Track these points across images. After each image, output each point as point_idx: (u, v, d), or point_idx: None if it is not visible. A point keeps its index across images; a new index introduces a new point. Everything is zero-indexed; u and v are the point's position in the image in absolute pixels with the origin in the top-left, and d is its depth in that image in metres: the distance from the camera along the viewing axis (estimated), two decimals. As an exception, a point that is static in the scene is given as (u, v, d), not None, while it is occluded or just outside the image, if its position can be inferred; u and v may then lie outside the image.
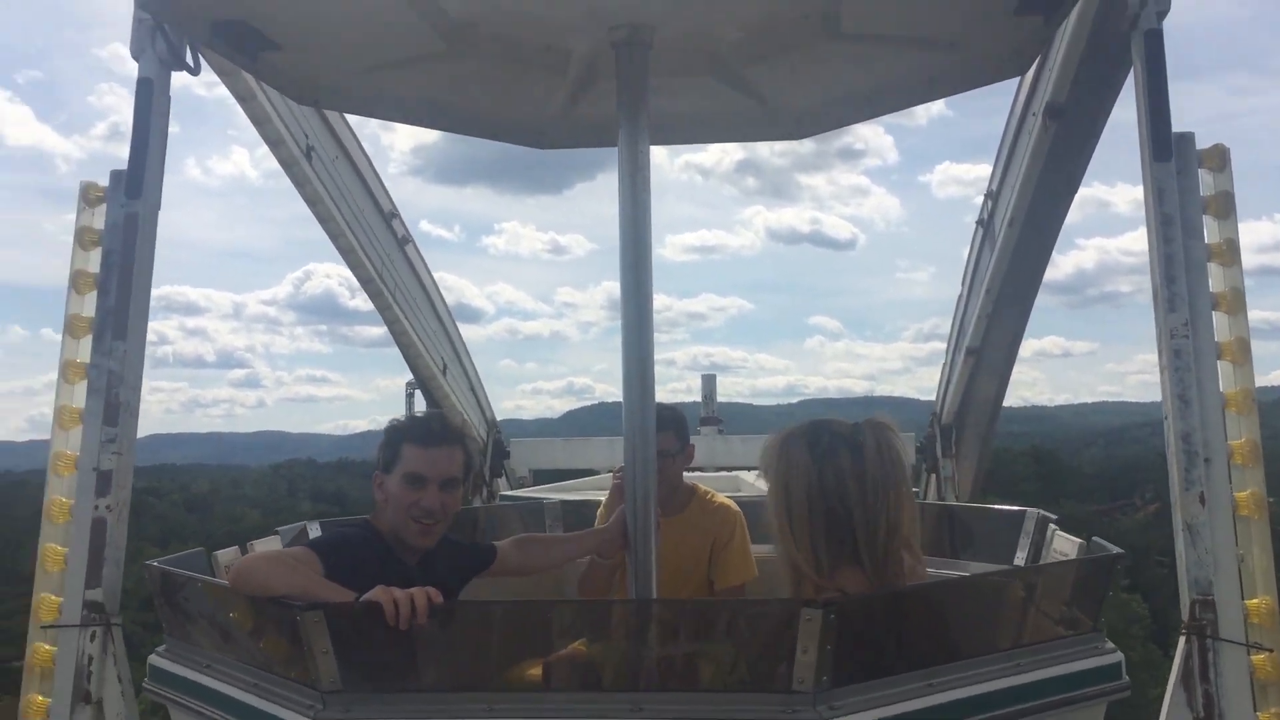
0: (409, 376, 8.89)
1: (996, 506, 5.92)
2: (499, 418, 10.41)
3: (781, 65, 4.32)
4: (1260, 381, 4.01)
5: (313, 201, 6.24)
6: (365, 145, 7.05)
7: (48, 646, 4.03)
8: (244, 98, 5.29)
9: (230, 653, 3.44)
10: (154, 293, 4.29)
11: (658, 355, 3.82)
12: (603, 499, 5.21)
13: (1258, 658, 3.68)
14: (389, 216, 7.59)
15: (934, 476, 9.51)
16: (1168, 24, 3.96)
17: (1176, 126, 3.93)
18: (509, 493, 9.87)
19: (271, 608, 3.15)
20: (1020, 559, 4.83)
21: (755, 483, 8.72)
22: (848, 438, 3.13)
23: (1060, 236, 6.97)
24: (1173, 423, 3.76)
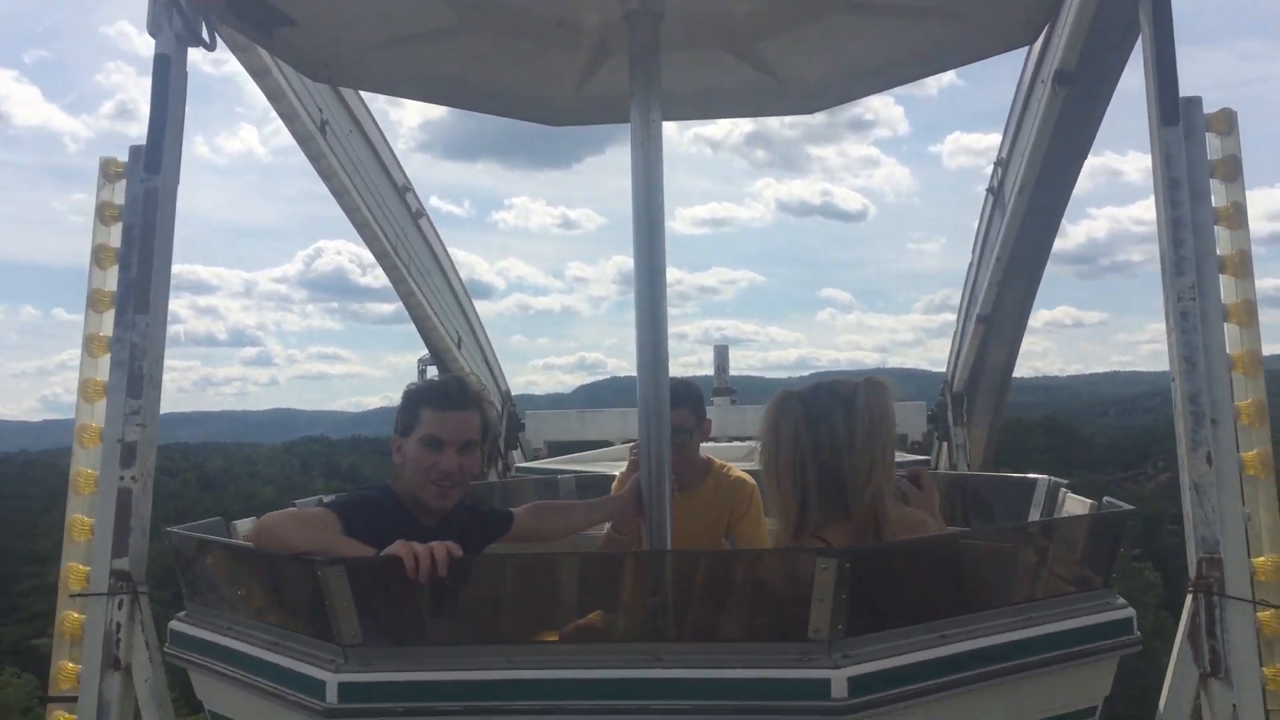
0: (421, 353, 8.93)
1: (1009, 474, 5.95)
2: (511, 392, 10.48)
3: (793, 38, 4.34)
4: (1268, 350, 4.06)
5: (328, 176, 6.29)
6: (374, 119, 7.08)
7: (76, 615, 4.12)
8: (259, 73, 5.33)
9: (251, 613, 3.49)
10: (166, 271, 4.35)
11: (669, 329, 3.83)
12: (617, 470, 5.24)
13: (1264, 614, 3.74)
14: (403, 190, 7.62)
15: (946, 445, 9.55)
16: (1177, -11, 3.98)
17: (1186, 92, 3.96)
18: (524, 464, 9.93)
19: (292, 564, 3.19)
20: (1034, 523, 4.88)
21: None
22: (844, 395, 3.27)
23: (1071, 206, 6.99)
24: (1180, 384, 3.81)
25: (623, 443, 9.27)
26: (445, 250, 8.56)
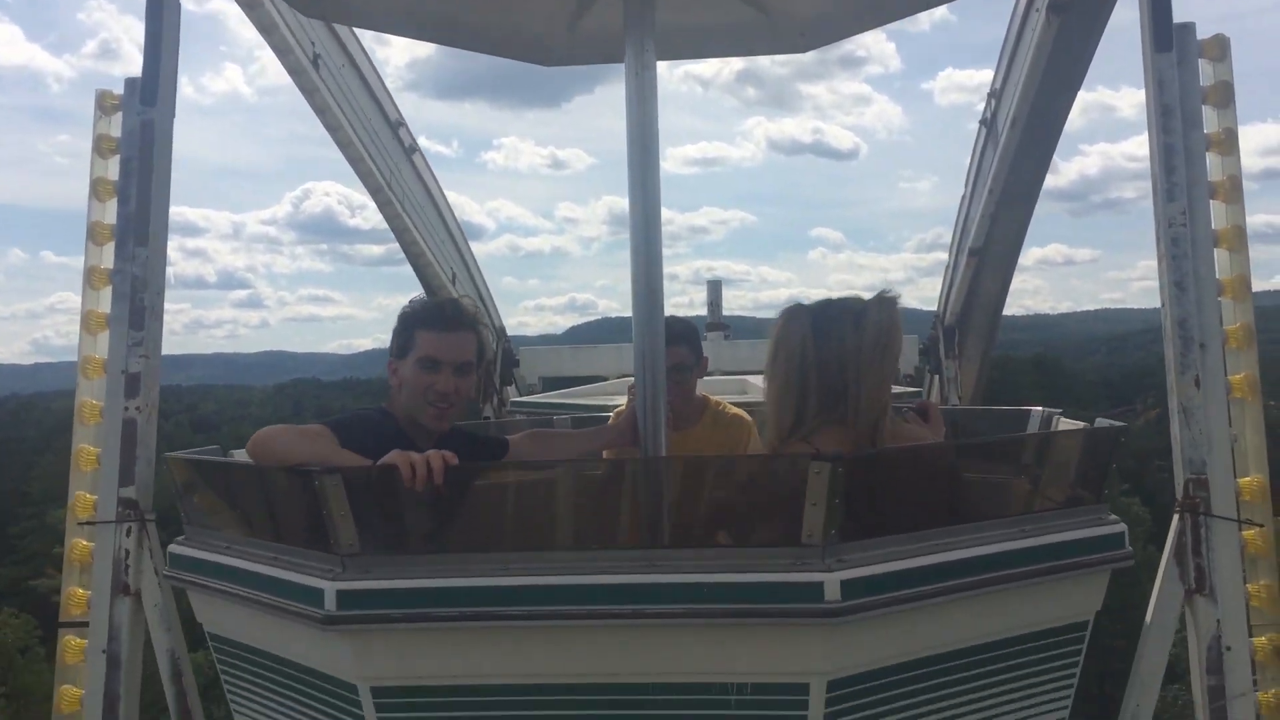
0: (412, 295, 8.90)
1: (1003, 408, 5.98)
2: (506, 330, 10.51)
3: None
4: (1261, 286, 4.11)
5: (321, 110, 6.26)
6: (366, 53, 7.02)
7: (85, 542, 4.20)
8: (250, 5, 5.30)
9: (249, 531, 3.52)
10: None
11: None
12: (613, 403, 5.24)
13: (1248, 533, 3.84)
14: (395, 125, 7.59)
15: (937, 378, 9.61)
16: (1173, -86, 3.98)
17: (1177, 17, 3.98)
18: (519, 399, 10.00)
19: (290, 475, 3.21)
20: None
21: (762, 386, 8.80)
22: (855, 309, 3.27)
23: (1063, 142, 6.99)
24: (1170, 309, 3.87)
25: (618, 377, 9.33)
26: (439, 186, 8.54)
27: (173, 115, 4.32)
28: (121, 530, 4.08)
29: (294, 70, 5.86)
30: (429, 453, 3.05)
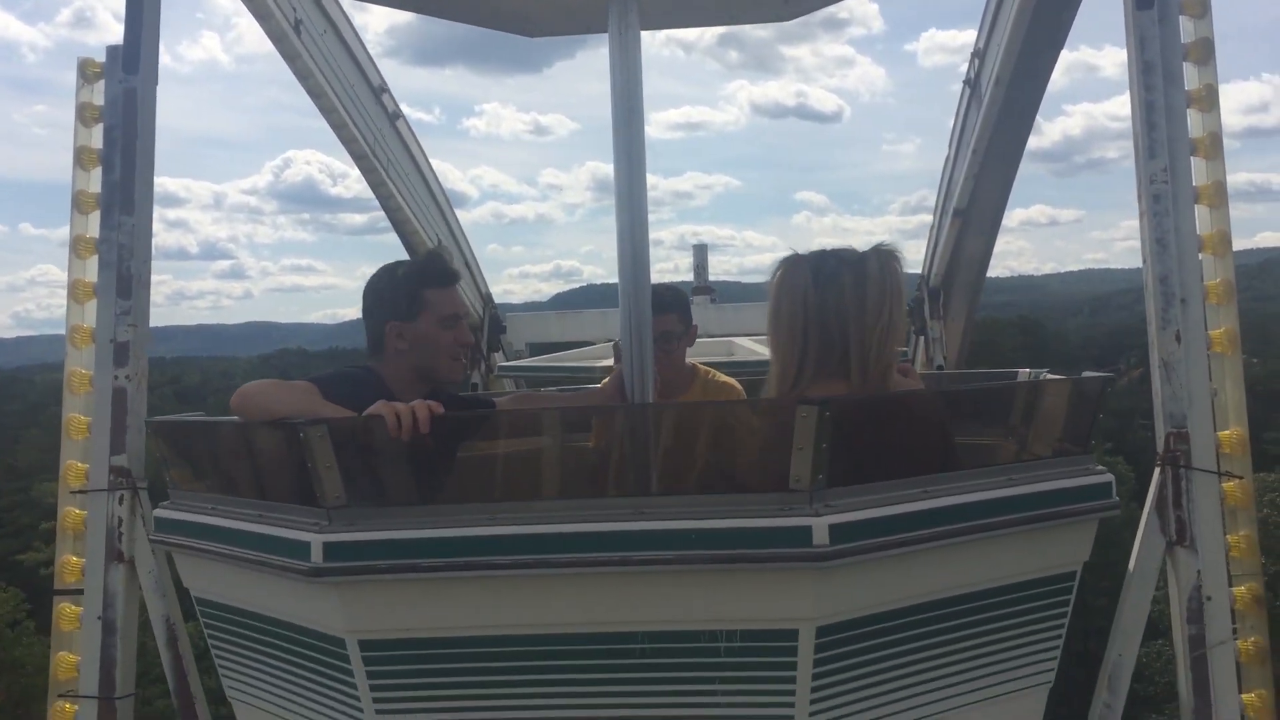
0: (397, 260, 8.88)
1: (989, 371, 6.01)
2: (493, 297, 10.50)
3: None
4: (1243, 245, 4.16)
5: (304, 76, 6.22)
6: (348, 19, 6.96)
7: (78, 511, 4.23)
8: (231, -29, 5.26)
9: (233, 490, 3.51)
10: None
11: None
12: (599, 365, 5.22)
13: (1228, 484, 3.91)
14: (379, 91, 7.54)
15: (923, 338, 9.64)
16: None
17: (1160, -24, 4.00)
18: (506, 364, 10.02)
19: (275, 429, 3.21)
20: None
21: (749, 346, 8.85)
22: (854, 262, 3.22)
23: (1046, 102, 6.99)
24: (1151, 265, 3.92)
25: (604, 342, 9.34)
26: (423, 152, 8.49)
27: (155, 83, 4.32)
28: (114, 498, 4.11)
29: (275, 36, 5.83)
30: (414, 402, 3.06)
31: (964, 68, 7.82)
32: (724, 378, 5.07)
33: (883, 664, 3.06)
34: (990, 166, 7.46)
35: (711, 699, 2.99)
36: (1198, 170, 4.09)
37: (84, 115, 4.37)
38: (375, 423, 3.03)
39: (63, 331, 4.40)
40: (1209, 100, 4.09)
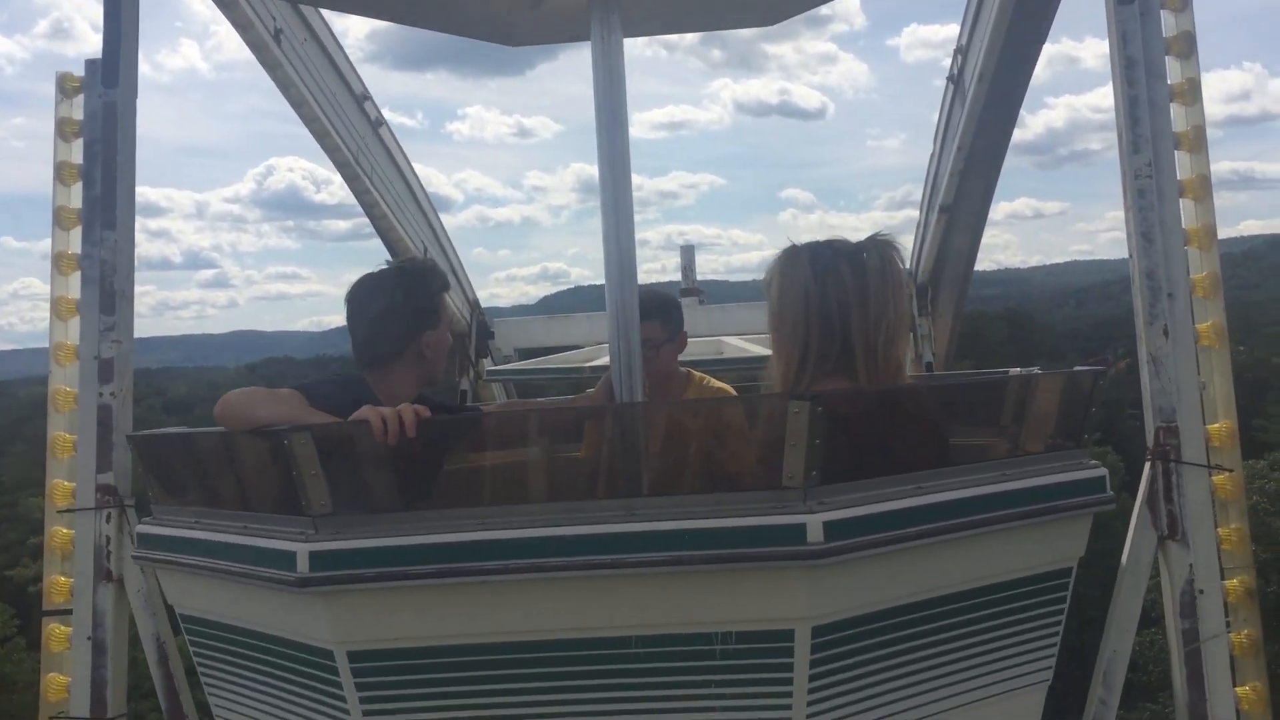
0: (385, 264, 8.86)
1: (980, 369, 5.99)
2: (480, 303, 10.48)
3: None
4: (1228, 233, 4.17)
5: (285, 86, 6.19)
6: (329, 27, 6.94)
7: (65, 530, 4.20)
8: (210, -18, 5.24)
9: (217, 502, 3.44)
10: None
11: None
12: (588, 364, 5.18)
13: (1219, 478, 3.92)
14: (361, 99, 7.51)
15: (912, 335, 9.65)
16: None
17: (1141, -30, 4.00)
18: (495, 367, 9.99)
19: (258, 437, 3.16)
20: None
21: (738, 345, 8.83)
22: (850, 254, 3.15)
23: (1029, 95, 7.00)
24: (1137, 260, 3.92)
25: (593, 345, 9.32)
26: (407, 159, 8.47)
27: (135, 96, 4.29)
28: (101, 517, 4.08)
29: (256, 46, 5.79)
30: (400, 406, 3.01)
31: (946, 62, 7.84)
32: (717, 383, 5.03)
33: (880, 663, 3.03)
34: (975, 162, 7.47)
35: (707, 702, 2.94)
36: (1182, 164, 4.10)
37: (63, 130, 4.35)
38: (361, 428, 2.98)
39: (46, 345, 4.36)
40: (1192, 94, 4.10)
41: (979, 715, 3.25)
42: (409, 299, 3.67)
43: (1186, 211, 4.09)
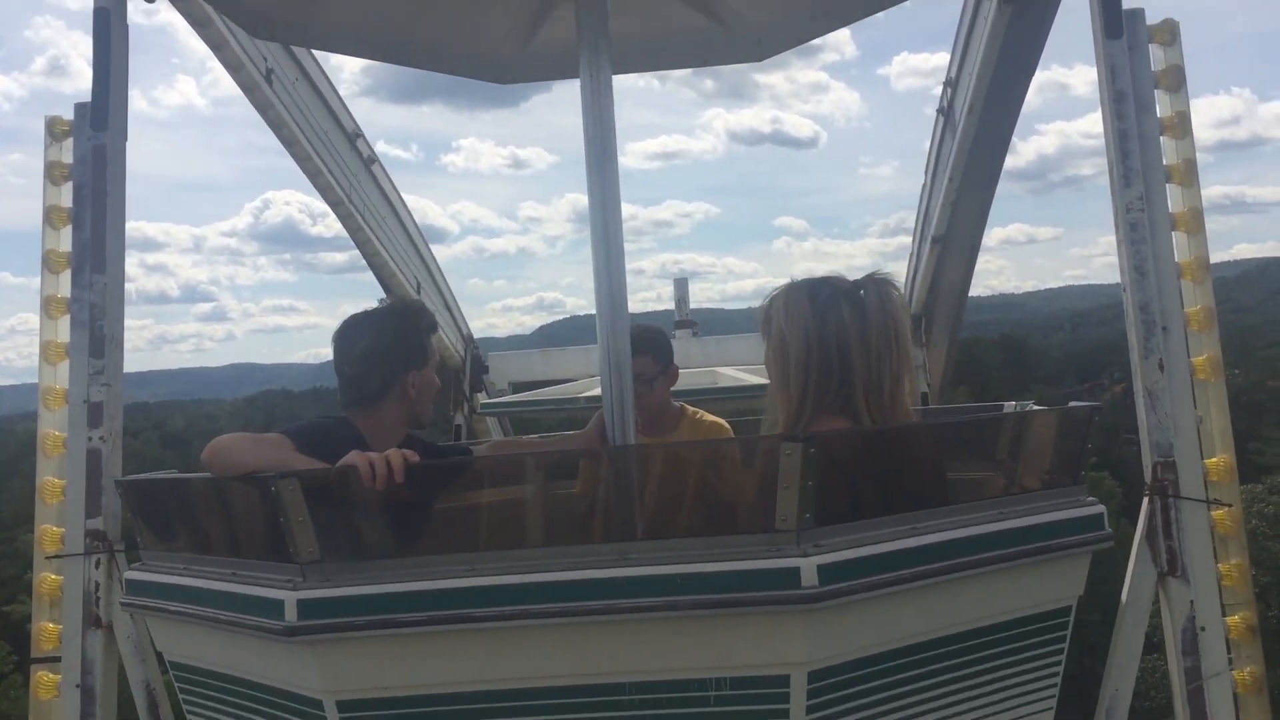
0: (376, 301, 8.88)
1: (975, 404, 5.96)
2: (474, 336, 10.47)
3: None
4: (1220, 257, 4.17)
5: (276, 126, 6.20)
6: (320, 66, 6.97)
7: (54, 576, 4.14)
8: (200, 23, 5.23)
9: (205, 548, 3.41)
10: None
11: (626, 265, 3.77)
12: (581, 395, 5.14)
13: (1218, 513, 3.89)
14: (353, 137, 7.52)
15: (908, 366, 9.63)
16: (1116, -101, 4.00)
17: (1127, 3, 4.01)
18: (488, 401, 9.97)
19: (245, 483, 3.14)
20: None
21: (733, 374, 8.82)
22: (848, 292, 3.13)
23: (1020, 122, 7.03)
24: (1131, 294, 3.91)
25: (586, 378, 9.31)
26: (399, 195, 8.48)
27: (125, 138, 4.27)
28: (90, 563, 4.02)
29: (246, 87, 5.80)
30: (388, 451, 2.99)
31: (937, 90, 7.87)
32: (711, 418, 5.01)
33: (877, 708, 2.99)
34: (967, 193, 7.48)
35: None
36: (1173, 197, 4.09)
37: (52, 174, 4.33)
38: (349, 473, 2.96)
39: (42, 384, 4.34)
40: (1182, 127, 4.10)
41: None
42: (396, 339, 3.67)
43: (1179, 244, 4.08)
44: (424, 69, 4.78)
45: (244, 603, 3.01)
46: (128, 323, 4.28)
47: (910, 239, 9.51)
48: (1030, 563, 3.14)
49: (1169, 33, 4.13)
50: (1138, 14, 4.04)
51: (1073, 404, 3.59)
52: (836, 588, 2.74)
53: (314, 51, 6.78)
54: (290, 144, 6.43)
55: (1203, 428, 3.95)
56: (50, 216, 4.32)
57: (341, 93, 7.39)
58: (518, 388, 10.81)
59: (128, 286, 4.33)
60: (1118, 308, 4.15)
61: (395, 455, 2.97)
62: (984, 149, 6.98)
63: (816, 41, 4.87)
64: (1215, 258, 4.14)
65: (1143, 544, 3.80)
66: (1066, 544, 3.20)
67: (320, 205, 7.24)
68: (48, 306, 4.29)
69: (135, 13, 4.30)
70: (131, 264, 4.34)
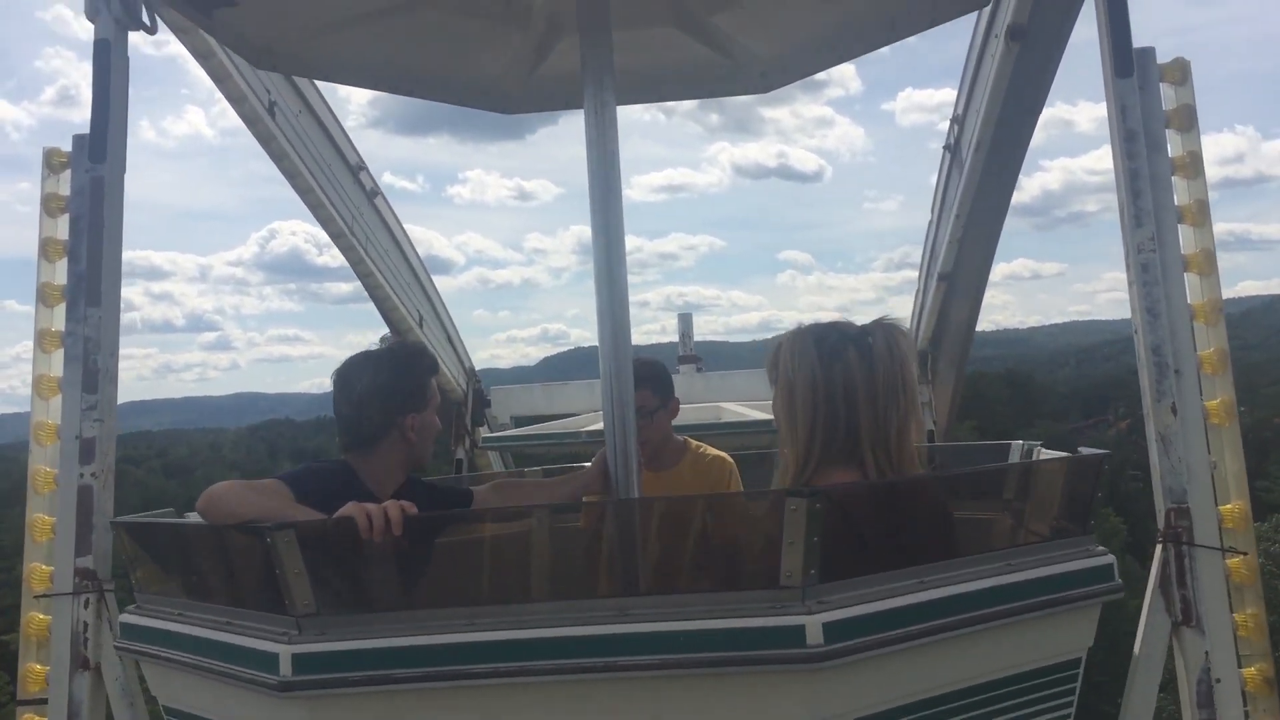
0: (382, 331, 8.85)
1: (981, 443, 5.92)
2: (475, 368, 10.43)
3: (745, 12, 4.29)
4: (1225, 294, 4.09)
5: (279, 158, 6.17)
6: (324, 99, 6.97)
7: (42, 616, 4.07)
8: (203, 55, 5.22)
9: (201, 595, 3.36)
10: (119, 258, 4.26)
11: (631, 297, 3.76)
12: (584, 429, 5.12)
13: (1233, 561, 3.79)
14: (356, 169, 7.50)
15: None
16: (1127, -61, 3.97)
17: (1138, 41, 3.96)
18: (490, 435, 9.91)
19: (241, 534, 3.09)
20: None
21: (737, 410, 8.77)
22: (855, 338, 3.07)
23: (1025, 159, 7.00)
24: (1143, 336, 3.83)
25: (589, 412, 9.26)
26: (402, 228, 8.46)
27: (123, 170, 4.23)
28: (79, 602, 3.94)
29: (249, 119, 5.78)
30: (386, 503, 2.94)
31: (942, 126, 7.87)
32: (714, 451, 4.98)
33: (885, 769, 2.92)
34: (973, 230, 7.44)
35: None
36: (1185, 238, 4.02)
37: (49, 206, 4.28)
38: (346, 525, 2.91)
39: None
40: (1194, 167, 4.04)
41: None
42: (395, 381, 3.63)
43: (1191, 286, 4.00)
44: (428, 99, 4.78)
45: (239, 654, 2.96)
46: (131, 351, 4.26)
47: (915, 273, 9.47)
48: (1039, 615, 3.06)
49: (1180, 72, 4.07)
50: (1148, 53, 3.98)
51: (1083, 450, 3.52)
52: (842, 646, 2.68)
53: (319, 83, 6.78)
54: (292, 176, 6.40)
55: (1217, 473, 3.86)
56: (46, 249, 4.27)
57: (348, 124, 7.39)
58: (520, 422, 10.76)
59: (132, 315, 4.31)
60: (1122, 343, 4.09)
61: (394, 508, 2.93)
62: (991, 187, 6.94)
63: (821, 77, 4.89)
64: (1223, 295, 4.08)
65: (1156, 593, 3.71)
66: (1076, 596, 3.13)
67: (326, 236, 7.23)
68: (41, 340, 4.22)
69: (145, 44, 4.30)
70: (137, 292, 4.31)
